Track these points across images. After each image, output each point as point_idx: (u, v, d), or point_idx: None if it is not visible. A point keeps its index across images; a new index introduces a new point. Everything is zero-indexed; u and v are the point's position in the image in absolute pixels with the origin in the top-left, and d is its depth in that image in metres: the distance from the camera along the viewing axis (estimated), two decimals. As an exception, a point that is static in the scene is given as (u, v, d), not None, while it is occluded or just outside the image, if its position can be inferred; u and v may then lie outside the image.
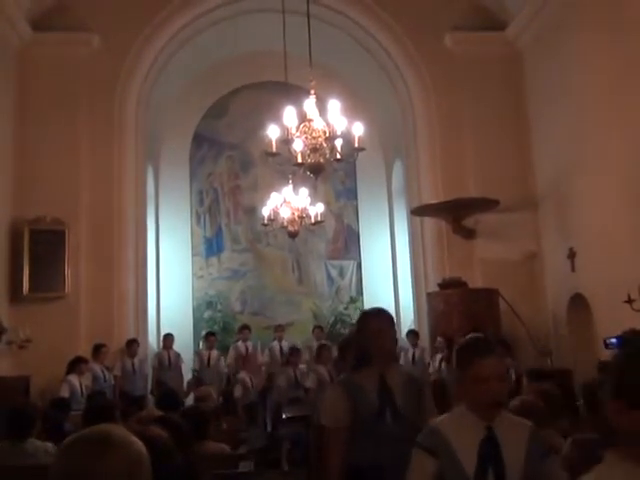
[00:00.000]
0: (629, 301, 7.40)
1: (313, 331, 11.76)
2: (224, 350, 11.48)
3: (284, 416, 9.09)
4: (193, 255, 13.31)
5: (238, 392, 9.82)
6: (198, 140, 13.58)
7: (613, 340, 3.42)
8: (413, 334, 10.65)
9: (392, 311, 12.84)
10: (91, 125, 10.43)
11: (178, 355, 10.69)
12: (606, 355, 6.35)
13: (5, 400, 6.19)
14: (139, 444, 1.56)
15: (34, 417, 4.44)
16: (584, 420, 4.05)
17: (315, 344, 11.28)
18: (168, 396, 5.54)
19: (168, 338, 10.80)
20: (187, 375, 10.77)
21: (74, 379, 8.83)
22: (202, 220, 13.52)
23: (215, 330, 12.85)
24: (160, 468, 2.04)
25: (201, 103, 13.38)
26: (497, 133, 10.66)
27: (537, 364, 9.07)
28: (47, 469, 3.74)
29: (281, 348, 11.23)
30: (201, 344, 11.93)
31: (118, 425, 1.63)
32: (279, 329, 11.52)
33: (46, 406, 6.26)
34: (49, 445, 4.36)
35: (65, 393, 8.51)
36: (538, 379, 5.09)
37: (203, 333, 11.66)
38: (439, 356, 9.06)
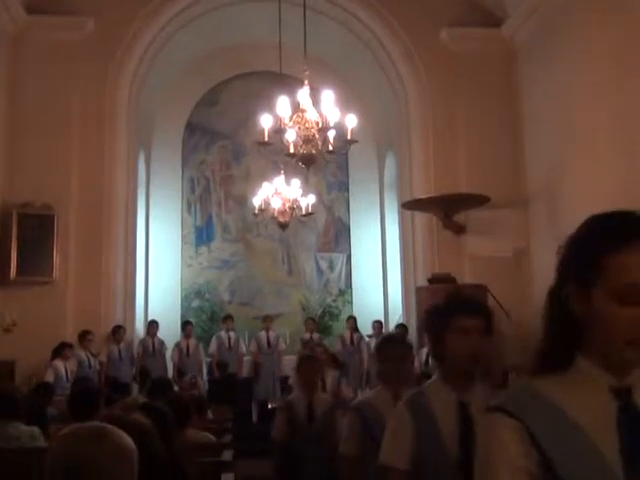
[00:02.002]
0: (616, 300, 7.43)
1: (305, 323, 11.77)
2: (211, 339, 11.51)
3: (270, 406, 9.10)
4: (183, 243, 13.27)
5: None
6: (191, 128, 13.52)
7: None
8: (402, 328, 10.66)
9: (381, 305, 12.88)
10: (83, 110, 10.35)
11: (162, 343, 10.69)
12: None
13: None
14: (129, 439, 1.62)
15: (17, 401, 4.41)
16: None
17: (306, 336, 11.29)
18: (159, 383, 5.55)
19: (153, 325, 10.80)
20: (170, 363, 10.75)
21: (59, 364, 8.83)
22: (193, 209, 13.48)
23: (203, 319, 12.87)
24: (142, 455, 2.04)
25: (195, 91, 13.32)
26: (490, 130, 10.66)
27: (524, 360, 9.09)
28: (32, 453, 3.73)
29: (268, 338, 11.24)
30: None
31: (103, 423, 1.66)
32: (267, 319, 11.52)
33: (30, 390, 6.25)
34: (35, 429, 4.33)
35: (50, 378, 8.51)
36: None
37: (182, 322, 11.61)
38: (425, 350, 9.06)
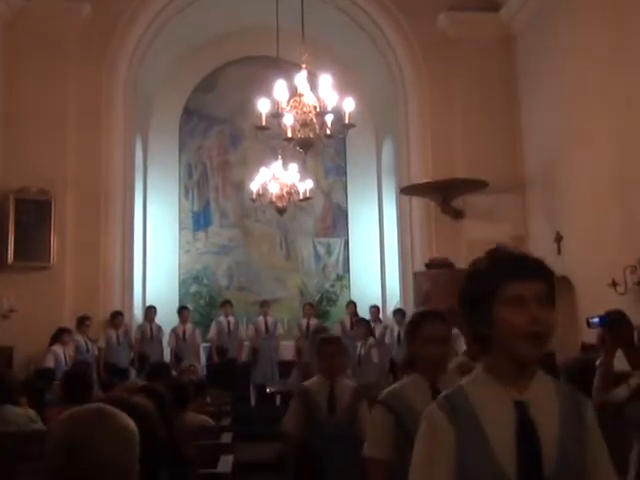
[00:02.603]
0: (613, 285, 7.46)
1: (303, 308, 11.79)
2: (209, 325, 11.54)
3: (268, 390, 9.16)
4: (181, 229, 13.27)
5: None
6: (188, 112, 13.47)
7: (595, 319, 3.44)
8: (400, 313, 10.70)
9: (378, 289, 12.91)
10: (79, 96, 10.30)
11: (160, 328, 10.71)
12: (589, 336, 6.40)
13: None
14: (131, 420, 1.61)
15: (11, 385, 4.41)
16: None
17: (304, 321, 11.31)
18: (157, 367, 5.57)
19: (150, 311, 10.82)
20: (166, 348, 10.77)
21: (58, 349, 8.86)
22: (190, 194, 13.47)
23: (201, 304, 12.89)
24: (143, 437, 2.05)
25: (192, 76, 13.26)
26: (488, 114, 10.63)
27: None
28: (29, 436, 3.73)
29: (266, 323, 11.27)
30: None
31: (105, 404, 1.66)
32: (265, 305, 11.53)
33: (29, 375, 6.27)
34: (31, 412, 4.34)
35: (50, 363, 8.56)
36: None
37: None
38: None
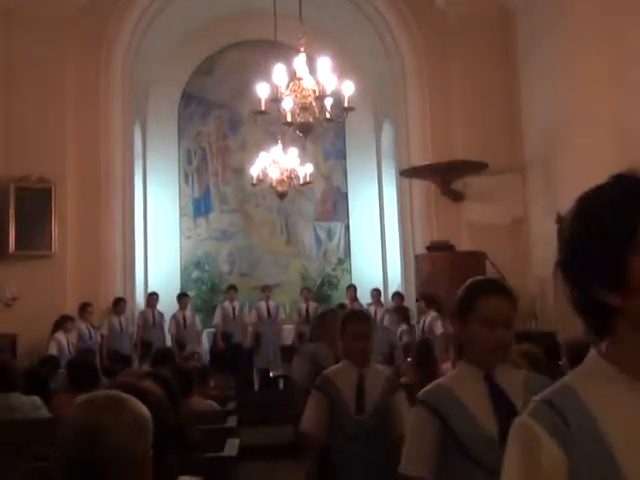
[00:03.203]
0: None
1: (301, 292, 11.81)
2: (212, 310, 11.59)
3: (271, 374, 9.21)
4: (181, 215, 13.27)
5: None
6: (186, 98, 13.42)
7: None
8: (398, 296, 10.75)
9: (379, 273, 12.93)
10: (77, 83, 10.26)
11: (161, 315, 10.75)
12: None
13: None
14: (144, 407, 1.63)
15: (15, 373, 4.43)
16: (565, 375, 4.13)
17: (303, 306, 11.36)
18: (162, 353, 5.61)
19: (152, 297, 10.84)
20: (168, 335, 10.81)
21: (61, 337, 8.89)
22: (190, 180, 13.45)
23: (203, 290, 12.92)
24: (154, 423, 2.07)
25: (189, 61, 13.20)
26: (487, 96, 10.58)
27: (523, 327, 9.16)
28: (34, 423, 3.75)
29: (268, 308, 11.31)
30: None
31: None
32: (266, 289, 11.56)
33: (33, 363, 6.29)
34: (36, 399, 4.37)
35: (53, 350, 8.59)
36: (523, 341, 5.16)
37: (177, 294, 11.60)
38: (424, 318, 9.11)
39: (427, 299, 8.92)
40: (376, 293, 11.35)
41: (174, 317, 10.83)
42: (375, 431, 3.16)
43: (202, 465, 2.92)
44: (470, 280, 2.25)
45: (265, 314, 11.27)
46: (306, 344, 5.26)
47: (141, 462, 1.57)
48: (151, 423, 1.62)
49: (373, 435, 3.15)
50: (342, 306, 9.42)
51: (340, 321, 3.38)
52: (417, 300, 9.44)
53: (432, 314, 8.72)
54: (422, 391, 2.19)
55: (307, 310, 11.14)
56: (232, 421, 4.18)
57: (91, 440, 1.49)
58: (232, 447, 3.40)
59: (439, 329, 8.40)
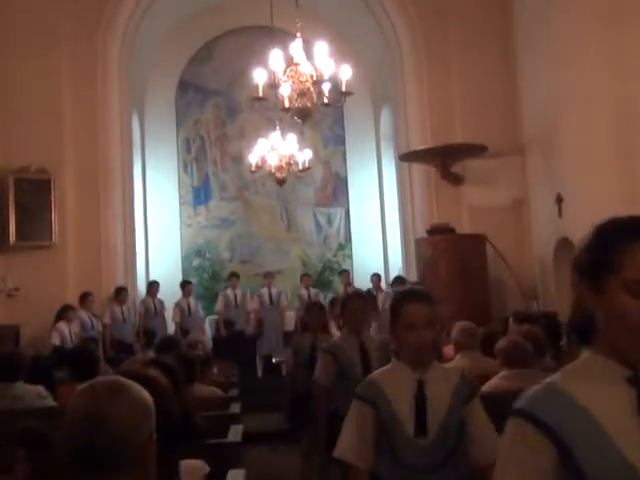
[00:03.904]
0: (615, 245, 7.46)
1: (301, 279, 11.83)
2: (214, 298, 11.61)
3: (274, 360, 9.23)
4: (181, 204, 13.27)
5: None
6: (183, 86, 13.38)
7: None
8: (400, 281, 10.74)
9: (380, 258, 12.94)
10: (73, 72, 10.21)
11: (162, 303, 10.78)
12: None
13: (-4, 348, 6.20)
14: (146, 392, 1.64)
15: (19, 363, 4.45)
16: (566, 355, 4.15)
17: (304, 292, 11.37)
18: (166, 341, 5.63)
19: (154, 286, 10.85)
20: (170, 322, 10.84)
21: (63, 326, 8.91)
22: (189, 168, 13.43)
23: (204, 278, 12.94)
24: (159, 410, 2.08)
25: (186, 48, 13.14)
26: (486, 78, 10.54)
27: (524, 308, 9.18)
28: (37, 411, 3.76)
29: (270, 295, 11.33)
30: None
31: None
32: (268, 276, 11.58)
33: (37, 352, 6.32)
34: (40, 388, 4.39)
35: (56, 340, 8.64)
36: (524, 322, 5.19)
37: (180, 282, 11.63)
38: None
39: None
40: (376, 278, 11.35)
41: (178, 305, 10.85)
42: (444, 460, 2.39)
43: (206, 451, 2.93)
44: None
45: (267, 301, 11.29)
46: (324, 337, 5.28)
47: (144, 447, 1.57)
48: (153, 408, 1.62)
49: (441, 466, 2.39)
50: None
51: (391, 305, 2.68)
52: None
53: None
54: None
55: (309, 296, 11.15)
56: (235, 407, 4.19)
57: (92, 428, 1.50)
58: (236, 433, 3.42)
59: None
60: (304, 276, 11.86)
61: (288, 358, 6.25)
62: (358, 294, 4.69)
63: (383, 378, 2.49)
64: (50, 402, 4.32)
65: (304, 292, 11.38)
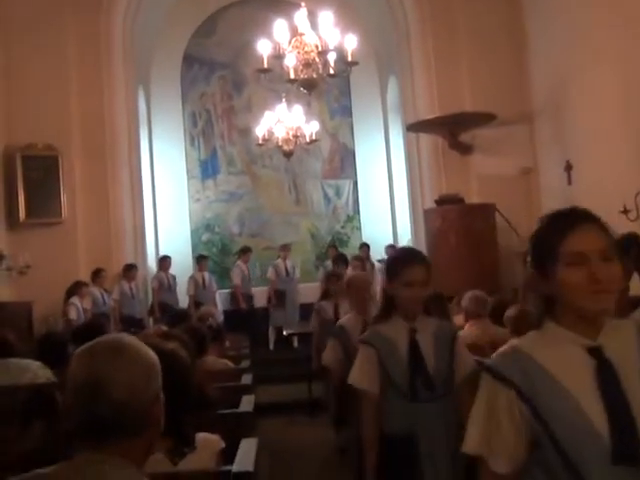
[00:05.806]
0: (625, 211, 7.42)
1: (327, 251, 12.13)
2: (224, 272, 11.67)
3: (285, 333, 9.27)
4: (189, 178, 13.26)
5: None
6: (188, 60, 13.30)
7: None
8: (391, 249, 10.78)
9: (389, 229, 12.92)
10: (78, 48, 10.14)
11: (174, 277, 10.87)
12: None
13: (10, 326, 6.23)
14: (150, 351, 1.59)
15: (10, 342, 4.40)
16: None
17: (328, 264, 11.33)
18: (178, 315, 5.69)
19: (166, 260, 10.94)
20: (182, 297, 10.91)
21: (77, 302, 8.99)
22: (196, 142, 13.40)
23: (214, 252, 12.99)
24: (179, 381, 2.09)
25: (190, 21, 13.04)
26: (493, 45, 10.40)
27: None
28: (41, 388, 3.73)
29: (286, 267, 11.41)
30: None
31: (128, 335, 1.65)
32: (285, 248, 11.66)
33: (49, 328, 6.34)
34: (39, 364, 4.28)
35: (73, 315, 8.74)
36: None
37: (196, 256, 11.73)
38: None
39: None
40: (391, 250, 11.34)
41: (193, 278, 10.99)
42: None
43: (219, 421, 2.96)
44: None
45: (284, 272, 11.39)
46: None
47: (149, 409, 1.53)
48: (158, 365, 1.58)
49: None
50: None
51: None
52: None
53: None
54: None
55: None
56: (247, 379, 4.22)
57: (92, 396, 1.46)
58: (249, 403, 3.45)
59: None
60: (330, 248, 12.06)
61: (314, 327, 6.51)
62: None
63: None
64: (48, 376, 4.21)
65: (329, 264, 11.32)
